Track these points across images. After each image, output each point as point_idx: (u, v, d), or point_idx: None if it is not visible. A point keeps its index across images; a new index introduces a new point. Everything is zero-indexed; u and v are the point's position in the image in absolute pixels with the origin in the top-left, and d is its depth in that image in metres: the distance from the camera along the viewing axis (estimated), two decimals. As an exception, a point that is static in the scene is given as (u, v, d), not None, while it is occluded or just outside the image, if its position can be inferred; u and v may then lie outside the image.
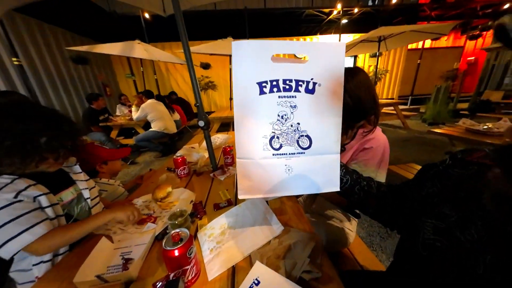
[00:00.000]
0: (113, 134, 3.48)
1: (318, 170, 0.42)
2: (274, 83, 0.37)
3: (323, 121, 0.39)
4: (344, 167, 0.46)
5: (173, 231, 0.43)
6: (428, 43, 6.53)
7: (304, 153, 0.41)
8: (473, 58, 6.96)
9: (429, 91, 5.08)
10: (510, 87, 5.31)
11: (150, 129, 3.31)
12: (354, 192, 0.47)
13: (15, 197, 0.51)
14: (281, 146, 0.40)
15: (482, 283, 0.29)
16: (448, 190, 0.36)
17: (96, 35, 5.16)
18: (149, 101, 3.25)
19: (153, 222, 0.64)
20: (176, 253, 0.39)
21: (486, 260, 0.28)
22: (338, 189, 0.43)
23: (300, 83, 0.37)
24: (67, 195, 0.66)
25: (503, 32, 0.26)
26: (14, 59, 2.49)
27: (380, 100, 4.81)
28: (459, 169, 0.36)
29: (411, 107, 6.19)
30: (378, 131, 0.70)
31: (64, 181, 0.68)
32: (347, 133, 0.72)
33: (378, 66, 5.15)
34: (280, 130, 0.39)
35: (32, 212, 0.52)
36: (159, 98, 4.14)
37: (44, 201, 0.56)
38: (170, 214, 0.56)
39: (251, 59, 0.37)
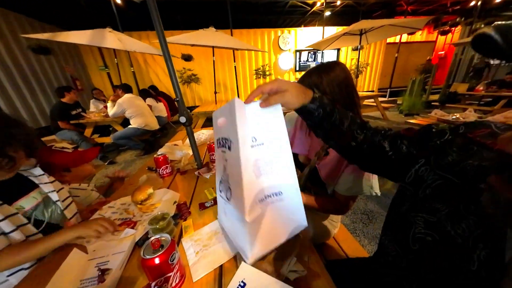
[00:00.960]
0: (88, 132, 3.20)
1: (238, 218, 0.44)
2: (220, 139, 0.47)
3: (234, 173, 0.43)
4: (319, 98, 0.41)
5: (152, 238, 0.40)
6: (404, 38, 6.85)
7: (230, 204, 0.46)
8: (443, 52, 7.49)
9: (406, 84, 5.39)
10: (473, 79, 5.83)
11: (129, 126, 3.10)
12: (323, 125, 0.42)
13: None
14: (221, 191, 0.49)
15: (475, 279, 0.28)
16: (441, 175, 0.34)
17: (61, 22, 4.61)
18: (126, 95, 3.02)
19: (133, 227, 0.60)
20: (157, 261, 0.36)
21: (480, 257, 0.28)
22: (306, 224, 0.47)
23: (226, 141, 0.44)
24: (29, 201, 0.60)
25: (486, 42, 0.24)
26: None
27: (361, 93, 5.02)
28: (458, 149, 0.32)
29: (390, 99, 6.55)
30: None
31: (24, 186, 0.61)
32: None
33: (359, 60, 5.32)
34: (223, 178, 0.47)
35: None
36: (143, 92, 3.88)
37: None
38: (151, 218, 0.52)
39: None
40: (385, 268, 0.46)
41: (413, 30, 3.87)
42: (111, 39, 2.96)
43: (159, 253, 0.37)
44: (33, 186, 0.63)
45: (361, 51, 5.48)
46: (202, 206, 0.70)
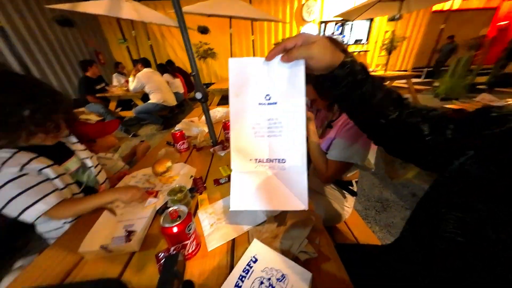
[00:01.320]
0: (112, 105, 3.39)
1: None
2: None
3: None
4: (351, 63, 0.34)
5: (170, 208, 0.42)
6: (457, 4, 5.69)
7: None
8: (506, 22, 6.13)
9: (449, 62, 4.65)
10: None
11: (149, 101, 3.21)
12: (350, 97, 0.36)
13: (20, 170, 0.52)
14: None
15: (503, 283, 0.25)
16: (493, 172, 0.28)
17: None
18: (145, 70, 3.05)
19: (155, 196, 0.65)
20: (175, 230, 0.39)
21: None
22: (306, 207, 0.39)
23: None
24: (72, 164, 0.68)
25: None
26: (-8, 19, 2.26)
27: (391, 73, 4.46)
28: None
29: (426, 80, 5.77)
30: None
31: (65, 152, 0.69)
32: (331, 109, 0.70)
33: (395, 33, 4.62)
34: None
35: (39, 184, 0.53)
36: (160, 67, 3.89)
37: (50, 172, 0.57)
38: (170, 189, 0.56)
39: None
40: (399, 262, 0.44)
41: None
42: (128, 9, 2.89)
43: (177, 223, 0.39)
44: (71, 153, 0.70)
45: (398, 22, 4.72)
46: (217, 182, 0.72)
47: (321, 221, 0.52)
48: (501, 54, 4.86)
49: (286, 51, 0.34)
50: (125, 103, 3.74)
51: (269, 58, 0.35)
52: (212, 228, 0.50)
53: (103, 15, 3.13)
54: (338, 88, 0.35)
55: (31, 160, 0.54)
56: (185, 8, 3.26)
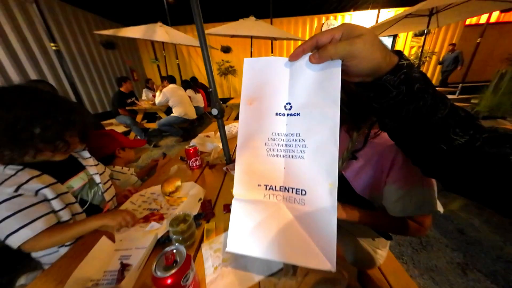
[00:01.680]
0: (138, 118, 3.65)
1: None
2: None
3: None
4: (407, 67, 0.25)
5: (167, 249, 0.35)
6: (494, 17, 5.28)
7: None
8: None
9: (486, 78, 4.18)
10: None
11: (172, 114, 3.38)
12: (399, 114, 0.27)
13: (16, 190, 0.49)
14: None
15: None
16: None
17: (122, 19, 5.28)
18: (170, 86, 3.28)
19: (158, 220, 0.59)
20: (169, 281, 0.32)
21: None
22: (334, 269, 0.28)
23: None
24: (77, 181, 0.66)
25: None
26: (52, 44, 2.67)
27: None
28: None
29: (461, 96, 5.24)
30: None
31: (74, 167, 0.68)
32: (352, 137, 0.52)
33: (423, 48, 4.38)
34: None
35: (32, 206, 0.50)
36: (185, 83, 4.17)
37: (48, 193, 0.54)
38: (172, 217, 0.49)
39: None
40: None
41: (511, 5, 2.89)
42: (161, 32, 3.21)
43: (172, 271, 0.32)
44: (81, 167, 0.69)
45: (426, 37, 4.49)
46: (227, 208, 0.64)
47: (355, 275, 0.40)
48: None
49: (317, 48, 0.26)
50: (150, 115, 4.02)
51: (294, 57, 0.27)
52: (216, 272, 0.42)
53: (140, 38, 3.53)
54: (384, 100, 0.26)
55: (30, 179, 0.52)
56: (210, 30, 3.52)
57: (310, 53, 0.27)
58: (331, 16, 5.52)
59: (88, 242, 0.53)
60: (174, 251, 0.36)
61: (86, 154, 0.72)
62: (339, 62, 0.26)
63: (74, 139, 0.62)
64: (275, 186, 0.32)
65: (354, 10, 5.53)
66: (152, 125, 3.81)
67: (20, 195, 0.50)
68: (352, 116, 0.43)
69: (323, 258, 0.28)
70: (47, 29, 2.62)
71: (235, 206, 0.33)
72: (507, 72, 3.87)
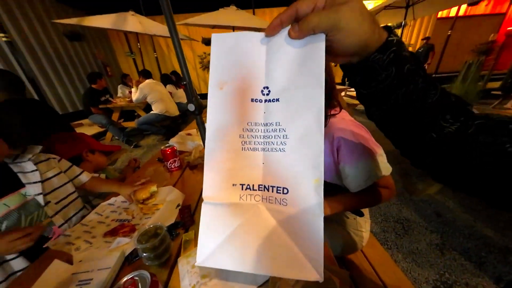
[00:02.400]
0: (114, 116, 3.37)
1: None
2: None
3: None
4: (397, 44, 0.22)
5: (124, 279, 0.29)
6: (462, 10, 5.62)
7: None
8: (515, 27, 5.99)
9: (457, 69, 4.49)
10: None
11: (151, 112, 3.17)
12: (388, 99, 0.24)
13: None
14: None
15: None
16: None
17: (90, 7, 4.76)
18: (147, 81, 3.05)
19: (128, 233, 0.52)
20: None
21: None
22: (321, 279, 0.24)
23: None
24: (16, 198, 0.52)
25: None
26: (1, 34, 2.31)
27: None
28: None
29: (434, 86, 5.59)
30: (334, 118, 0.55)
31: (5, 185, 0.54)
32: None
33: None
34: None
35: None
36: (164, 77, 3.91)
37: None
38: (141, 233, 0.42)
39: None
40: None
41: None
42: (133, 22, 2.95)
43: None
44: (18, 185, 0.55)
45: (404, 29, 4.66)
46: (208, 214, 0.59)
47: (347, 280, 0.37)
48: (514, 59, 4.66)
49: (297, 20, 0.21)
50: (128, 113, 3.74)
51: (270, 31, 0.23)
52: (193, 293, 0.36)
53: (111, 29, 3.20)
54: (373, 83, 0.23)
55: None
56: (188, 20, 3.30)
57: (289, 26, 0.22)
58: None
59: (35, 269, 0.44)
60: (136, 278, 0.30)
61: (30, 166, 0.57)
62: (323, 36, 0.21)
63: None
64: (253, 185, 0.27)
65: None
66: (131, 124, 3.56)
67: None
68: None
69: (310, 268, 0.25)
70: (-6, 16, 2.26)
71: (205, 211, 0.28)
72: (473, 63, 4.18)
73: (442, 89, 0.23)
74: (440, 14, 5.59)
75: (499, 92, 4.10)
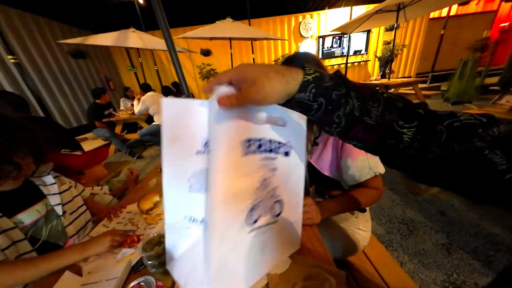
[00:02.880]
0: (118, 129, 3.45)
1: (283, 235, 0.40)
2: (259, 143, 0.32)
3: (290, 182, 0.39)
4: (313, 81, 0.25)
5: (132, 284, 0.31)
6: (454, 10, 5.73)
7: (276, 221, 0.38)
8: (507, 24, 6.06)
9: (453, 66, 4.54)
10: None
11: (153, 123, 3.24)
12: (332, 121, 0.26)
13: None
14: (257, 219, 0.34)
15: None
16: None
17: (94, 26, 4.98)
18: (149, 93, 3.15)
19: (133, 243, 0.54)
20: None
21: None
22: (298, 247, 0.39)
23: (280, 145, 0.35)
24: (30, 215, 0.56)
25: None
26: (9, 57, 2.43)
27: (395, 80, 4.38)
28: None
29: (432, 85, 5.63)
30: None
31: (30, 196, 0.59)
32: (312, 127, 0.64)
33: (394, 41, 4.64)
34: (260, 197, 0.34)
35: None
36: (165, 89, 4.02)
37: None
38: (145, 241, 0.45)
39: (236, 113, 0.29)
40: None
41: None
42: (134, 38, 3.07)
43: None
44: (41, 196, 0.61)
45: (396, 31, 4.76)
46: (210, 221, 0.60)
47: (343, 280, 0.38)
48: (510, 54, 4.68)
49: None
50: (131, 126, 3.82)
51: (207, 91, 0.28)
52: (196, 298, 0.38)
53: (114, 46, 3.34)
54: (312, 112, 0.26)
55: None
56: (187, 34, 3.43)
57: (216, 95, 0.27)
58: (307, 15, 5.65)
59: (50, 279, 0.46)
60: (142, 283, 0.32)
61: (50, 179, 0.63)
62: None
63: (26, 160, 0.54)
64: (198, 219, 0.35)
65: (328, 8, 5.72)
66: (134, 136, 3.63)
67: None
68: None
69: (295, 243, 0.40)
70: (3, 41, 2.39)
71: (168, 232, 0.37)
72: (469, 60, 4.22)
73: (386, 98, 0.25)
74: (432, 15, 5.71)
75: (498, 87, 4.11)
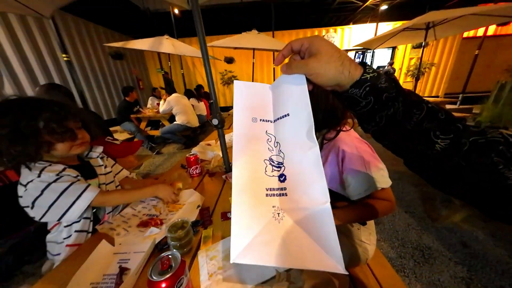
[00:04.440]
0: (142, 125, 3.73)
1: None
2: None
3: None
4: (371, 80, 0.27)
5: (163, 255, 0.37)
6: (491, 30, 5.40)
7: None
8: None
9: (487, 89, 4.20)
10: None
11: (175, 122, 3.45)
12: (373, 119, 0.28)
13: (57, 175, 0.58)
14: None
15: None
16: None
17: (132, 32, 5.55)
18: (174, 94, 3.38)
19: (158, 225, 0.61)
20: (163, 285, 0.33)
21: None
22: (343, 271, 0.27)
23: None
24: (94, 183, 0.69)
25: None
26: (63, 55, 2.82)
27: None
28: None
29: (462, 107, 5.26)
30: (342, 134, 0.62)
31: (89, 173, 0.71)
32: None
33: (422, 59, 4.49)
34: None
35: (74, 184, 0.59)
36: (188, 92, 4.31)
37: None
38: (171, 224, 0.51)
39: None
40: None
41: (506, 19, 2.96)
42: (167, 45, 3.37)
43: (166, 276, 0.33)
44: (94, 174, 0.73)
45: (425, 48, 4.60)
46: (224, 216, 0.66)
47: (347, 284, 0.41)
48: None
49: (293, 52, 0.31)
50: (155, 123, 4.10)
51: (277, 62, 0.33)
52: (211, 280, 0.43)
53: (147, 50, 3.70)
54: (356, 107, 0.28)
55: (64, 169, 0.61)
56: (213, 43, 3.67)
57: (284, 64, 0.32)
58: (331, 29, 5.71)
59: (88, 245, 0.54)
60: (170, 256, 0.37)
61: (99, 160, 0.76)
62: (303, 77, 0.31)
63: (80, 131, 0.66)
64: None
65: (353, 24, 5.73)
66: (156, 132, 3.89)
67: (62, 176, 0.58)
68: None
69: (331, 260, 0.28)
70: (60, 41, 2.78)
71: (235, 212, 0.32)
72: (507, 83, 3.90)
73: (430, 108, 0.26)
74: (466, 34, 5.43)
75: (540, 115, 3.73)
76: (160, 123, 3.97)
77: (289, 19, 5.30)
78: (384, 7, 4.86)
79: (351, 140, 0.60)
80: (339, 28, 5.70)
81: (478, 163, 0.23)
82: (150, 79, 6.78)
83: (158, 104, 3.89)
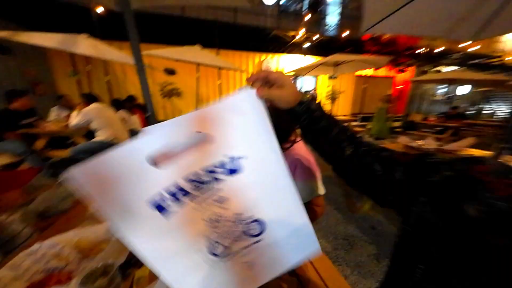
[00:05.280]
0: (39, 144, 2.75)
1: (282, 245, 0.38)
2: (174, 189, 0.29)
3: (271, 193, 0.38)
4: (306, 103, 0.39)
5: None
6: (370, 71, 7.91)
7: (261, 240, 0.37)
8: (402, 86, 8.77)
9: (373, 111, 6.06)
10: (425, 111, 6.85)
11: (95, 139, 2.76)
12: (310, 130, 0.41)
13: None
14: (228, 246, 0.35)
15: None
16: (444, 219, 0.29)
17: (29, 22, 4.21)
18: (93, 105, 2.73)
19: (63, 283, 0.44)
20: None
21: None
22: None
23: (215, 169, 0.31)
24: None
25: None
26: None
27: (338, 117, 5.44)
28: (459, 189, 0.29)
29: (361, 123, 7.23)
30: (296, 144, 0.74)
31: None
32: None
33: (334, 88, 5.90)
34: (218, 233, 0.34)
35: None
36: (115, 102, 3.59)
37: None
38: (87, 273, 0.38)
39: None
40: None
41: (378, 65, 4.48)
42: (85, 45, 2.78)
43: None
44: None
45: (335, 79, 6.12)
46: (165, 246, 0.56)
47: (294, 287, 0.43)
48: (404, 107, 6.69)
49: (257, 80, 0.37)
50: (59, 141, 3.11)
51: (250, 80, 0.37)
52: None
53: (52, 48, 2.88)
54: (300, 121, 0.40)
55: None
56: (153, 52, 3.36)
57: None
58: (270, 55, 6.58)
59: None
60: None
61: None
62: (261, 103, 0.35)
63: None
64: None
65: (287, 53, 6.87)
66: (61, 153, 2.94)
67: None
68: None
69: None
70: None
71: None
72: (382, 108, 5.80)
73: (343, 126, 0.40)
74: (358, 73, 7.68)
75: (400, 129, 5.70)
76: (69, 141, 3.06)
77: (233, 40, 5.67)
78: (307, 44, 6.18)
79: (304, 151, 0.71)
80: (276, 55, 6.64)
81: (365, 163, 0.37)
82: (55, 84, 5.23)
83: (68, 116, 3.01)
